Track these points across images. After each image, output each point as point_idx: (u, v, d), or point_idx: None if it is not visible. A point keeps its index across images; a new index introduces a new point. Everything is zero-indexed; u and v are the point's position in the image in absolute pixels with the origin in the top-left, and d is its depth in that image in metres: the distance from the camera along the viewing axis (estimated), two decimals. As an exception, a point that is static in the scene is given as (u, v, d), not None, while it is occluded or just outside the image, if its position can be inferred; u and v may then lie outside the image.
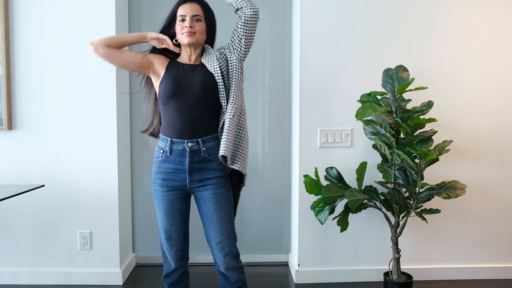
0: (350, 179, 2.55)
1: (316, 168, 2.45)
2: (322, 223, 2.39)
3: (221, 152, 1.78)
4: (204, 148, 1.84)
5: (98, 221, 2.66)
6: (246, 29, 1.86)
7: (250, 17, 1.84)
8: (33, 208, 2.65)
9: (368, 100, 2.30)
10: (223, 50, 1.93)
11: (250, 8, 1.84)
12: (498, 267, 2.80)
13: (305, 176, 2.45)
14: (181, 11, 1.86)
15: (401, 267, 2.50)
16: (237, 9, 1.87)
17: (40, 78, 2.59)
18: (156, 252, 3.01)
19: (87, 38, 2.56)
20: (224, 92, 1.86)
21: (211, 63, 1.86)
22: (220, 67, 1.85)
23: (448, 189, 2.32)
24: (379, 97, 2.39)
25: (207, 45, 1.94)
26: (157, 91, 1.91)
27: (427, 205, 2.52)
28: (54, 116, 2.61)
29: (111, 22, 2.57)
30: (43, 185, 2.39)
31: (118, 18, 2.65)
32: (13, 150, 2.61)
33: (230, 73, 1.88)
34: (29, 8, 2.56)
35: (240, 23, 1.87)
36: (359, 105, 2.43)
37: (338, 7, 2.62)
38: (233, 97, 1.85)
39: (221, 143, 1.80)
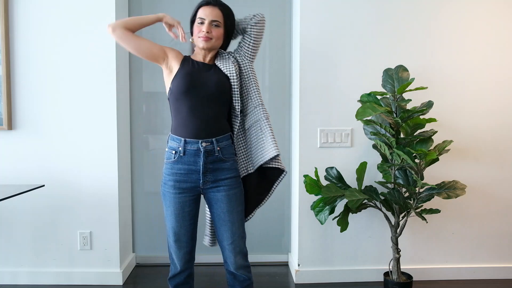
0: (350, 179, 2.55)
1: (316, 168, 2.45)
2: (322, 223, 2.40)
3: (275, 151, 1.84)
4: (218, 148, 1.84)
5: (98, 221, 2.66)
6: (256, 34, 1.91)
7: (257, 22, 1.90)
8: (33, 208, 2.65)
9: (368, 100, 2.30)
10: (233, 55, 1.95)
11: (257, 15, 1.90)
12: (498, 267, 2.80)
13: (305, 176, 2.45)
14: (201, 13, 1.86)
15: (401, 267, 2.50)
16: (246, 26, 1.93)
17: (40, 78, 2.59)
18: (156, 252, 3.02)
19: (87, 38, 2.58)
20: (238, 95, 1.89)
21: (227, 66, 1.88)
22: (235, 70, 1.88)
23: (448, 189, 2.32)
24: (379, 97, 2.39)
25: (220, 49, 1.96)
26: (169, 87, 1.88)
27: (427, 205, 2.52)
28: (54, 116, 2.61)
29: (111, 22, 2.57)
30: (43, 185, 2.39)
31: (118, 18, 2.64)
32: (13, 150, 2.61)
33: (246, 76, 1.92)
34: (29, 8, 2.56)
35: (248, 29, 1.91)
36: (359, 105, 2.43)
37: (338, 7, 2.62)
38: (259, 98, 1.91)
39: (269, 142, 1.86)
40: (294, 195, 2.86)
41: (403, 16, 2.64)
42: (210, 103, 1.84)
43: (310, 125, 2.66)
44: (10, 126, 2.59)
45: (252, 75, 1.93)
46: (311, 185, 2.42)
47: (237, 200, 1.90)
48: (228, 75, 1.87)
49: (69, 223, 2.66)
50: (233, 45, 2.06)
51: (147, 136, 3.00)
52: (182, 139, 1.83)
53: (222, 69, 1.88)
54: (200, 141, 1.82)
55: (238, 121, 1.91)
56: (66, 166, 2.63)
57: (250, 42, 1.92)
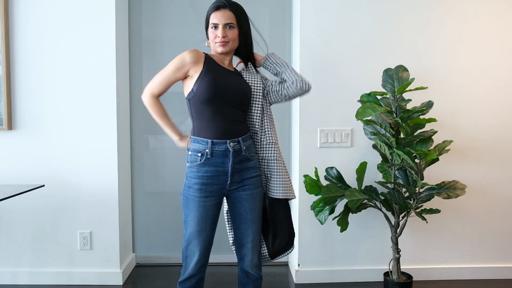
0: (350, 179, 2.55)
1: (316, 168, 2.45)
2: (322, 223, 2.40)
3: (281, 195, 1.89)
4: (244, 147, 1.84)
5: (98, 221, 2.66)
6: (290, 95, 1.92)
7: (301, 89, 1.90)
8: (33, 208, 2.65)
9: (368, 100, 2.30)
10: (264, 81, 1.96)
11: (306, 84, 1.89)
12: (498, 267, 2.80)
13: (305, 176, 2.45)
14: (213, 18, 1.83)
15: (401, 267, 2.50)
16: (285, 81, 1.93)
17: (40, 78, 2.59)
18: (156, 252, 3.02)
19: (87, 38, 2.58)
20: (255, 110, 1.90)
21: (255, 82, 1.91)
22: (261, 86, 1.91)
23: (448, 189, 2.32)
24: (379, 97, 2.39)
25: (250, 64, 1.97)
26: (191, 88, 1.82)
27: (427, 205, 2.52)
28: (54, 116, 2.61)
29: (111, 22, 2.58)
30: (43, 185, 2.39)
31: (118, 18, 2.65)
32: (13, 150, 2.61)
33: (265, 110, 1.93)
34: (29, 8, 2.56)
35: (289, 86, 1.90)
36: (359, 105, 2.43)
37: (338, 7, 2.62)
38: (272, 136, 1.92)
39: (280, 185, 1.89)
40: (294, 195, 2.86)
41: (403, 16, 2.64)
42: (234, 107, 1.84)
43: (310, 125, 2.66)
44: (10, 126, 2.59)
45: (269, 112, 1.95)
46: (311, 185, 2.42)
47: (260, 199, 1.91)
48: (253, 88, 1.89)
49: (69, 223, 2.66)
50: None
51: (147, 136, 3.00)
52: (209, 140, 1.80)
53: (249, 81, 1.89)
54: (228, 141, 1.81)
55: (258, 137, 1.92)
56: (66, 166, 2.63)
57: (280, 94, 1.92)
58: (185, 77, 1.85)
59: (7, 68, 2.56)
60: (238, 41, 1.87)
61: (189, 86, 1.83)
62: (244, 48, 1.92)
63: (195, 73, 1.82)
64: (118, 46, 2.63)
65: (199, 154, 1.81)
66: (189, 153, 1.85)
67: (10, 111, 2.59)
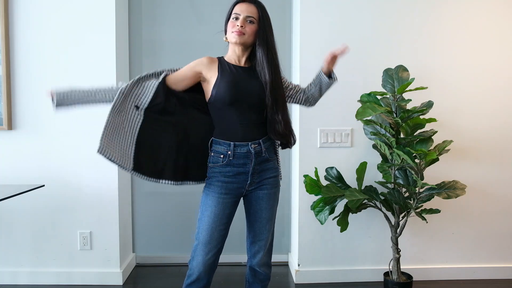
0: (350, 179, 2.55)
1: (316, 168, 2.45)
2: (322, 223, 2.40)
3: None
4: (264, 149, 1.85)
5: (98, 221, 2.66)
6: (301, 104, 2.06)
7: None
8: (33, 208, 2.65)
9: (368, 100, 2.30)
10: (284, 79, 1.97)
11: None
12: (498, 267, 2.80)
13: (305, 176, 2.45)
14: (236, 9, 1.82)
15: (401, 267, 2.50)
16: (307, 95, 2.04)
17: (40, 78, 2.59)
18: (156, 252, 3.02)
19: (87, 38, 2.58)
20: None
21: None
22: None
23: (448, 189, 2.32)
24: (379, 97, 2.39)
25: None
26: (210, 93, 1.82)
27: (427, 205, 2.52)
28: (54, 116, 2.61)
29: (111, 22, 2.58)
30: (43, 185, 2.39)
31: (118, 18, 2.65)
32: (13, 150, 2.61)
33: None
34: (29, 8, 2.56)
35: (303, 95, 2.05)
36: (359, 105, 2.43)
37: (338, 7, 2.62)
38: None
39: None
40: (294, 195, 2.86)
41: (403, 16, 2.64)
42: (253, 110, 1.83)
43: (310, 125, 2.66)
44: (10, 126, 2.59)
45: None
46: (311, 185, 2.42)
47: (276, 198, 1.93)
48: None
49: (69, 223, 2.66)
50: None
51: (147, 136, 2.99)
52: (231, 143, 1.81)
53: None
54: (249, 143, 1.81)
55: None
56: (66, 166, 2.63)
57: (297, 102, 2.04)
58: (196, 77, 1.84)
59: (7, 68, 2.56)
60: (254, 37, 1.83)
61: (208, 91, 1.84)
62: (259, 50, 1.83)
63: (211, 78, 1.82)
64: (118, 46, 2.63)
65: (221, 156, 1.82)
66: (211, 154, 1.85)
67: (10, 111, 2.59)
